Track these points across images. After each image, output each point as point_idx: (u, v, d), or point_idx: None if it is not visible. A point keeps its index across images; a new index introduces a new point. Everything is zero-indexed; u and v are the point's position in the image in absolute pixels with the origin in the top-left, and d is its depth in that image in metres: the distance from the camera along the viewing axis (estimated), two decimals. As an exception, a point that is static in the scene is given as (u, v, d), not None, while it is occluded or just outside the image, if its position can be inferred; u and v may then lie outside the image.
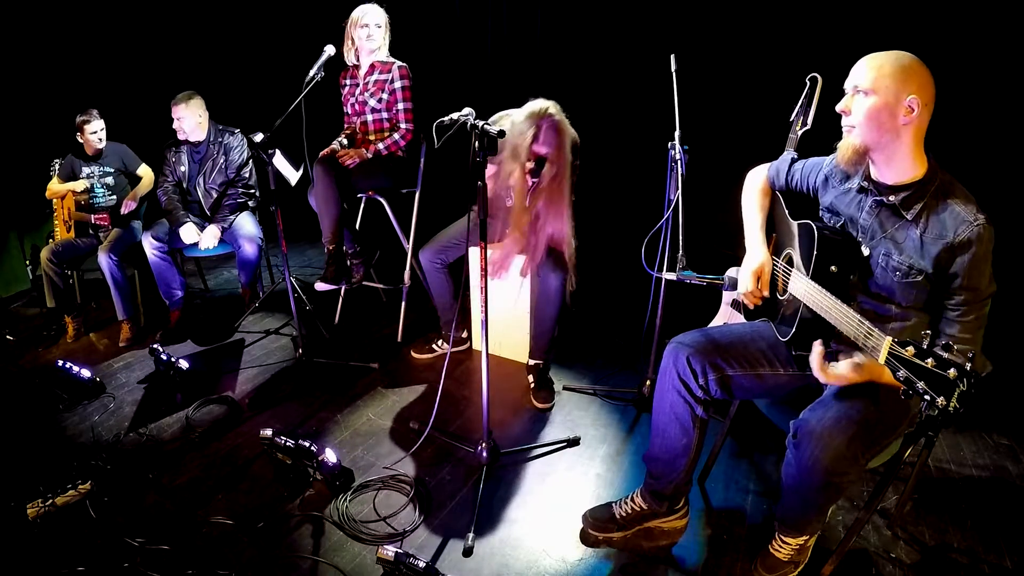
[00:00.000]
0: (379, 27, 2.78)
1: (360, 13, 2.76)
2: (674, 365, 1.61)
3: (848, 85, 1.34)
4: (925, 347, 1.09)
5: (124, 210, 3.16)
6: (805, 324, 1.46)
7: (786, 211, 1.66)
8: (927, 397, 1.06)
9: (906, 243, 1.34)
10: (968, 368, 1.03)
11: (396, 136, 2.84)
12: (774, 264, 1.64)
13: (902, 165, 1.34)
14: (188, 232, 3.00)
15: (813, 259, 1.41)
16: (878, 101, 1.28)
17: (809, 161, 1.65)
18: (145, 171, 3.34)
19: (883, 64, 1.28)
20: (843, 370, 1.33)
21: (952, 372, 1.04)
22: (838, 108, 1.36)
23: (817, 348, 1.35)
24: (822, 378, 1.35)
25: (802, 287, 1.43)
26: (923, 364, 1.08)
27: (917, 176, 1.34)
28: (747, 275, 1.62)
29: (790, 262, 1.56)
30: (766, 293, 1.62)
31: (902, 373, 1.12)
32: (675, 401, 1.62)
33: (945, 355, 1.06)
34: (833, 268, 1.40)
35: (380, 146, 2.81)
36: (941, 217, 1.30)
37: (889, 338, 1.14)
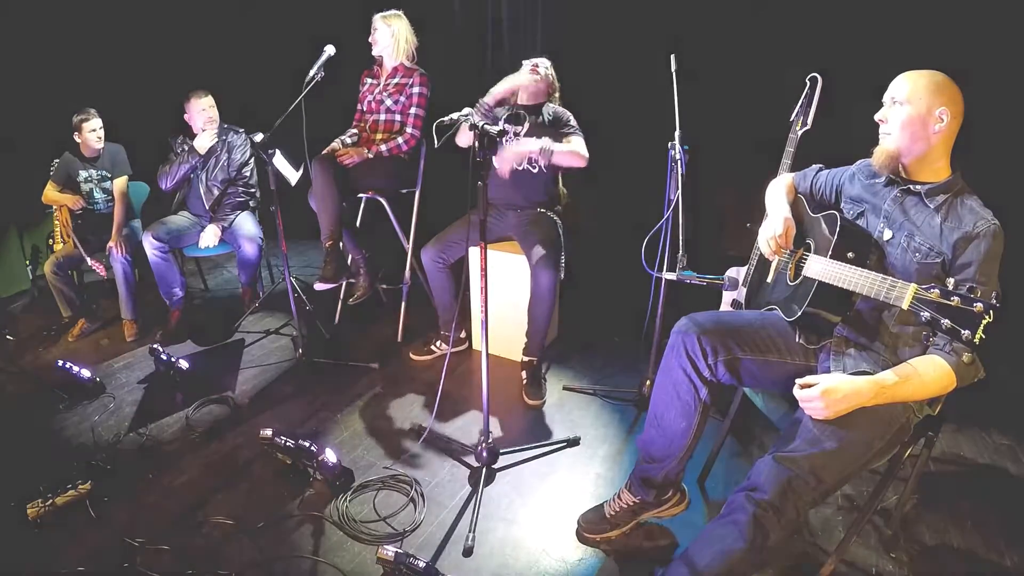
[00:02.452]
0: (376, 30, 2.82)
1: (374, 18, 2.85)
2: (683, 343, 1.60)
3: (886, 97, 1.46)
4: (950, 288, 1.17)
5: (115, 252, 2.98)
6: (815, 302, 1.50)
7: (807, 208, 1.70)
8: (953, 332, 1.15)
9: (926, 227, 1.42)
10: (993, 302, 1.12)
11: (400, 140, 2.85)
12: (790, 252, 1.67)
13: (930, 168, 1.45)
14: (204, 139, 3.00)
15: (834, 241, 1.48)
16: (912, 111, 1.40)
17: (835, 168, 1.73)
18: (120, 184, 3.19)
19: (917, 79, 1.41)
20: (831, 381, 1.33)
21: (978, 306, 1.12)
22: (876, 117, 1.47)
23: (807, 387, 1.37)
24: (817, 401, 1.33)
25: (819, 267, 1.49)
26: (949, 303, 1.16)
27: (941, 179, 1.44)
28: (779, 221, 1.64)
29: (808, 249, 1.60)
30: (791, 246, 1.65)
31: (926, 315, 1.20)
32: (680, 380, 1.61)
33: (970, 295, 1.15)
34: (851, 254, 1.46)
35: (383, 148, 2.82)
36: (960, 213, 1.39)
37: (914, 284, 1.23)
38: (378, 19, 2.82)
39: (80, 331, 3.12)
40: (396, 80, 2.86)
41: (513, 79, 2.38)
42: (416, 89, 2.84)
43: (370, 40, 2.85)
